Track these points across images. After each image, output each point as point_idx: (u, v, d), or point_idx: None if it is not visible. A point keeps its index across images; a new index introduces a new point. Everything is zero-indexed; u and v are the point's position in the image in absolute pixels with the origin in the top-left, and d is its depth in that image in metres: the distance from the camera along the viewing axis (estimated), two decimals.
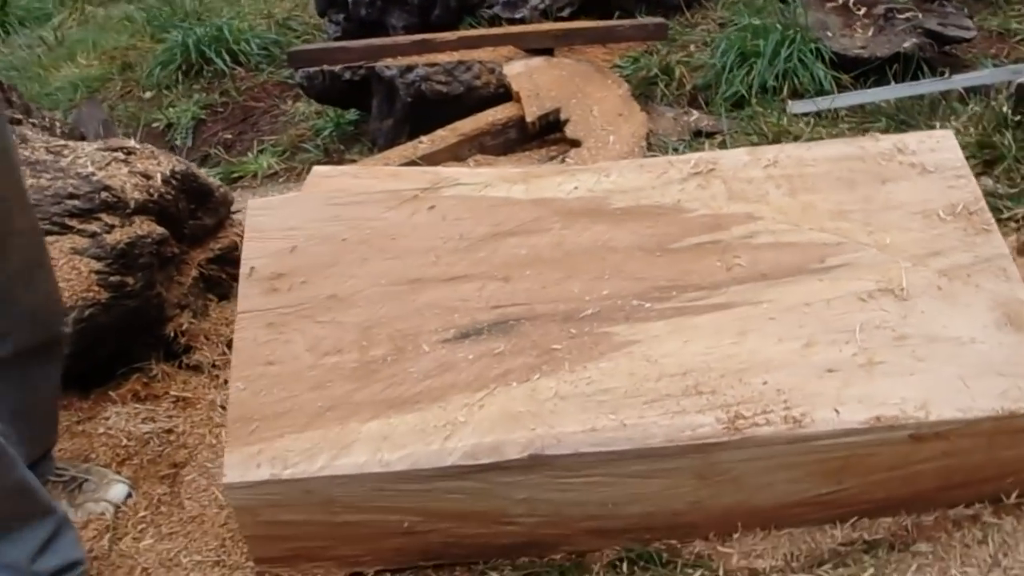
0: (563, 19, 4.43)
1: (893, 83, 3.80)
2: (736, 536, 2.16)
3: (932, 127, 3.34)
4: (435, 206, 2.27)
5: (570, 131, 3.53)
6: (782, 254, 2.16)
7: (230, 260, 2.96)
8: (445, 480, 1.95)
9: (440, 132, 3.68)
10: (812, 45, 3.93)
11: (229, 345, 2.84)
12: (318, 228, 2.25)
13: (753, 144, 3.49)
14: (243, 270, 2.20)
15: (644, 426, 1.95)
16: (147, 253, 2.61)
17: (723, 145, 3.65)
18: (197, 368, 2.83)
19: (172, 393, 2.74)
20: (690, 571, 2.10)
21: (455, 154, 3.59)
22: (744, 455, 1.97)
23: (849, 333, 2.04)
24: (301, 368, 2.05)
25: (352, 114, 4.46)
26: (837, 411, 1.95)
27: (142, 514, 2.39)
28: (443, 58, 3.88)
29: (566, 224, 2.23)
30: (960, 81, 3.62)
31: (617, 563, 2.15)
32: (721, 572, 2.09)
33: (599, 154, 3.37)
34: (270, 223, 2.26)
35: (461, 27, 4.65)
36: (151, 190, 2.64)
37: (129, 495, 2.39)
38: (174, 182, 2.72)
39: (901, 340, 2.03)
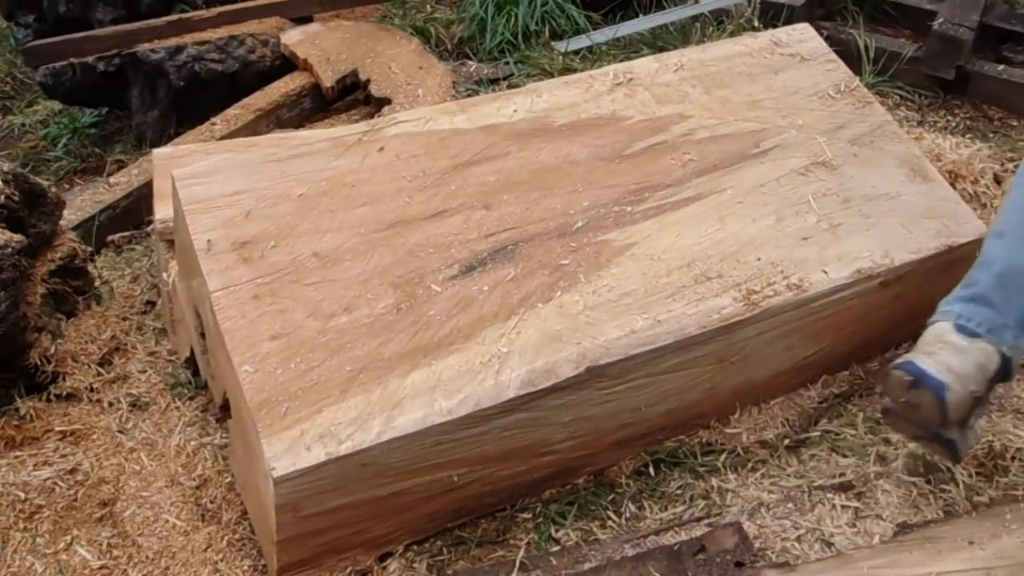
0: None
1: (641, 16, 4.09)
2: (736, 416, 2.26)
3: None
4: (383, 147, 2.10)
5: (376, 90, 3.40)
6: (723, 145, 2.28)
7: (73, 271, 2.51)
8: (503, 416, 1.84)
9: (232, 111, 3.37)
10: None
11: (101, 363, 2.46)
12: (266, 187, 1.99)
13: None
14: (198, 245, 1.89)
15: (676, 318, 1.97)
16: (8, 266, 2.15)
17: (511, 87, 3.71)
18: (72, 396, 2.39)
19: (56, 429, 2.28)
20: (710, 458, 2.17)
21: (254, 131, 3.31)
22: (758, 329, 2.06)
23: (805, 204, 2.21)
24: (311, 335, 1.82)
25: (89, 116, 3.93)
26: (825, 272, 2.11)
27: (97, 566, 1.99)
28: (207, 36, 3.56)
29: (521, 146, 2.17)
30: (707, 5, 3.99)
31: (642, 469, 2.17)
32: (739, 451, 2.18)
33: (412, 107, 3.28)
34: (208, 191, 1.97)
35: (174, 12, 4.26)
36: None
37: None
38: (11, 180, 2.26)
39: (847, 203, 2.23)
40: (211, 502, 2.14)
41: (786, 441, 2.20)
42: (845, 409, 2.28)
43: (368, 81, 3.42)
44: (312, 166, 2.04)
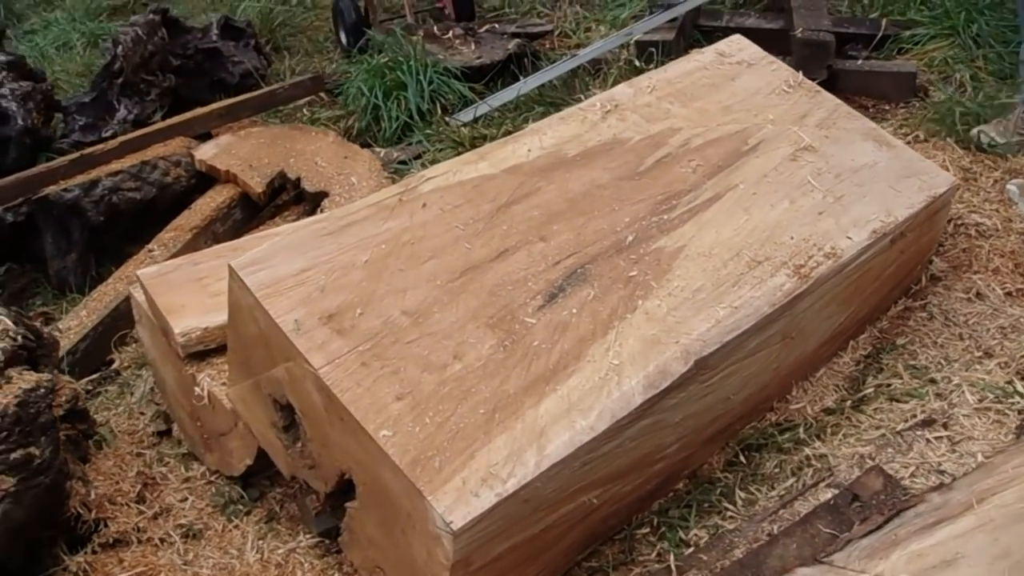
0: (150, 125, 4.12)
1: (523, 78, 4.26)
2: (792, 394, 2.37)
3: (577, 100, 3.82)
4: (426, 203, 2.11)
5: (309, 185, 3.36)
6: (717, 147, 2.42)
7: (78, 414, 2.33)
8: (632, 424, 1.86)
9: (166, 235, 3.25)
10: (442, 67, 4.23)
11: (139, 500, 2.29)
12: (329, 260, 1.95)
13: (459, 154, 3.67)
14: (286, 327, 1.82)
15: (749, 302, 2.07)
16: (44, 409, 1.99)
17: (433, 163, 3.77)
18: (120, 542, 2.20)
19: None
20: (789, 435, 2.26)
21: (194, 249, 3.19)
22: (811, 300, 2.19)
23: (807, 185, 2.38)
24: (432, 388, 1.78)
25: None
26: (850, 237, 2.27)
27: None
28: (115, 167, 3.42)
29: (548, 180, 2.23)
30: (584, 56, 4.21)
31: (732, 460, 2.23)
32: (811, 422, 2.28)
33: (353, 196, 3.28)
34: (274, 275, 1.91)
35: (39, 163, 4.07)
36: (10, 333, 2.02)
37: None
38: (19, 322, 2.10)
39: (839, 178, 2.42)
40: None
41: (847, 403, 2.32)
42: (882, 365, 2.44)
43: (299, 179, 3.39)
44: (366, 232, 2.02)
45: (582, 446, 1.77)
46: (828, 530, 1.81)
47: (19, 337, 2.03)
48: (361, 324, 1.86)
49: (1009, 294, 2.58)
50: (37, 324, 2.25)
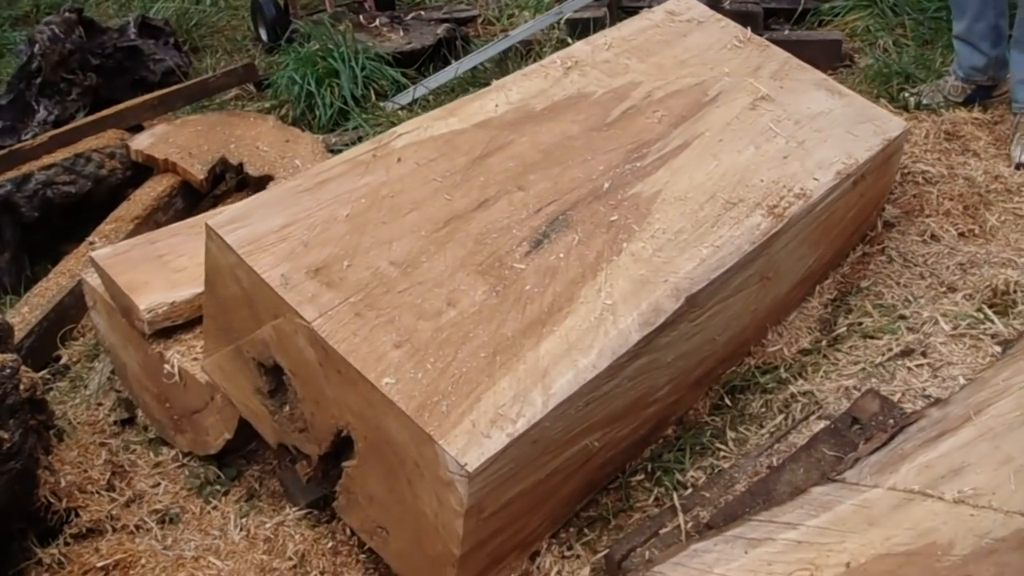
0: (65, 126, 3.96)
1: (454, 61, 4.24)
2: (769, 337, 2.40)
3: None
4: (400, 158, 2.06)
5: (252, 170, 3.27)
6: (679, 99, 2.44)
7: (36, 404, 2.20)
8: (630, 363, 1.85)
9: (107, 227, 3.12)
10: (373, 53, 4.18)
11: (110, 489, 2.18)
12: (309, 216, 1.89)
13: None
14: (273, 283, 1.76)
15: (730, 240, 2.08)
16: (10, 390, 1.88)
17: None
18: (93, 531, 2.09)
19: (98, 567, 1.98)
20: (770, 375, 2.28)
21: None
22: (785, 240, 2.22)
23: (769, 132, 2.41)
24: (430, 335, 1.74)
25: None
26: (816, 179, 2.31)
27: None
28: (46, 161, 3.28)
29: (519, 133, 2.21)
30: (515, 36, 4.20)
31: (718, 403, 2.24)
32: (790, 362, 2.31)
33: None
34: (253, 232, 1.84)
35: None
36: None
37: None
38: None
39: (799, 124, 2.46)
40: (321, 573, 1.95)
41: (823, 343, 2.36)
42: (850, 306, 2.48)
43: (241, 164, 3.29)
44: (343, 188, 1.96)
45: (586, 384, 1.74)
46: (833, 452, 1.82)
47: None
48: (350, 276, 1.81)
49: (962, 234, 2.65)
50: None
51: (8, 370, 1.87)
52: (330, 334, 1.71)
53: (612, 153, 2.23)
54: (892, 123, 2.57)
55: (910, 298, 2.43)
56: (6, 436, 1.83)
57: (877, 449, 1.74)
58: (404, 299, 1.79)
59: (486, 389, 1.68)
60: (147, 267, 2.29)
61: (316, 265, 1.81)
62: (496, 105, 2.27)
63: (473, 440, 1.61)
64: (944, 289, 2.44)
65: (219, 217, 1.86)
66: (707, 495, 1.92)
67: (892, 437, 1.76)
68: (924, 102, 3.36)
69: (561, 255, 1.95)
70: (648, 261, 1.98)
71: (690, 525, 1.85)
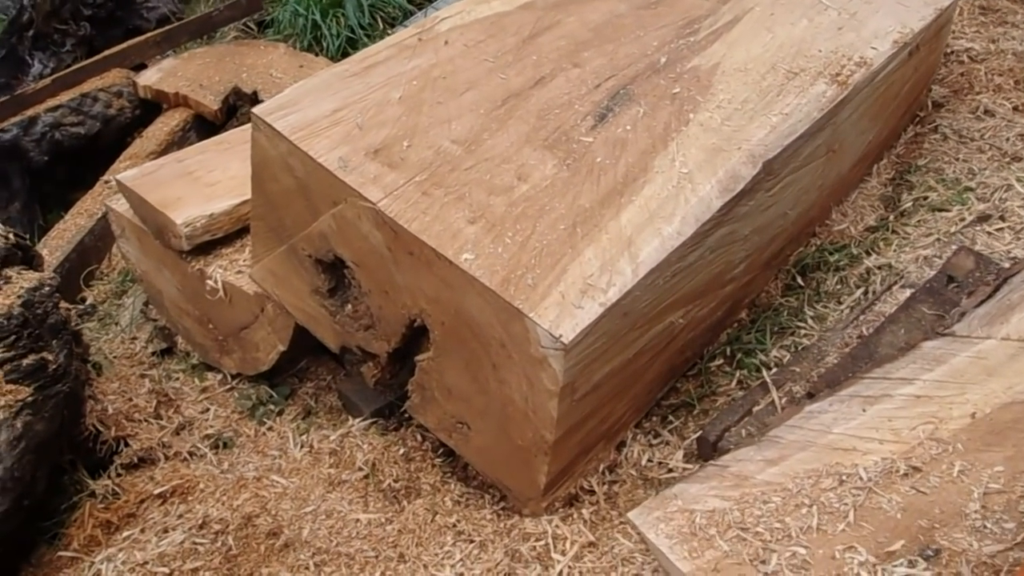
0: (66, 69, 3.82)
1: None
2: (833, 217, 2.29)
3: None
4: (448, 40, 1.94)
5: (267, 98, 3.13)
6: None
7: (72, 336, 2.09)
8: (712, 232, 1.75)
9: (121, 165, 2.99)
10: None
11: (158, 417, 2.06)
12: (360, 99, 1.77)
13: None
14: (332, 166, 1.64)
15: (798, 108, 1.97)
16: (51, 309, 1.76)
17: None
18: (145, 460, 1.98)
19: (155, 494, 1.87)
20: (841, 253, 2.18)
21: None
22: (848, 111, 2.11)
23: (819, 4, 2.29)
24: (504, 209, 1.63)
25: None
26: (874, 48, 2.20)
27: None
28: (51, 104, 3.13)
29: (567, 12, 2.09)
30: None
31: (791, 284, 2.14)
32: (859, 239, 2.21)
33: None
34: (304, 118, 1.72)
35: None
36: (1, 231, 1.78)
37: None
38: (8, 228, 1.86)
39: None
40: (395, 480, 1.85)
41: (890, 218, 2.25)
42: (911, 183, 2.38)
43: (255, 92, 3.16)
44: (392, 71, 1.84)
45: (673, 251, 1.64)
46: (932, 311, 1.73)
47: (11, 235, 1.79)
48: (411, 156, 1.69)
49: (1016, 108, 2.55)
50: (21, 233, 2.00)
51: (47, 288, 1.74)
52: (399, 214, 1.59)
53: (664, 29, 2.11)
54: None
55: (973, 170, 2.33)
56: (51, 358, 1.70)
57: (983, 302, 1.64)
58: (472, 176, 1.68)
59: (571, 260, 1.57)
60: (178, 184, 2.16)
61: (375, 147, 1.69)
62: None
63: (565, 311, 1.50)
64: (1008, 159, 2.34)
65: (265, 105, 1.73)
66: (797, 370, 1.82)
67: (996, 289, 1.66)
68: None
69: (628, 127, 1.83)
70: (718, 130, 1.87)
71: (784, 400, 1.76)
